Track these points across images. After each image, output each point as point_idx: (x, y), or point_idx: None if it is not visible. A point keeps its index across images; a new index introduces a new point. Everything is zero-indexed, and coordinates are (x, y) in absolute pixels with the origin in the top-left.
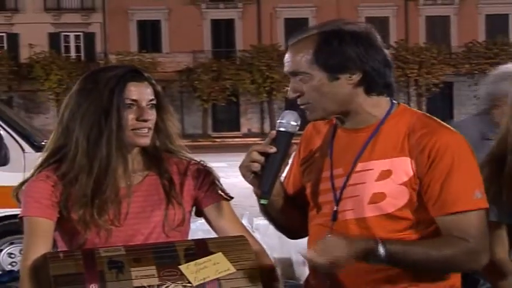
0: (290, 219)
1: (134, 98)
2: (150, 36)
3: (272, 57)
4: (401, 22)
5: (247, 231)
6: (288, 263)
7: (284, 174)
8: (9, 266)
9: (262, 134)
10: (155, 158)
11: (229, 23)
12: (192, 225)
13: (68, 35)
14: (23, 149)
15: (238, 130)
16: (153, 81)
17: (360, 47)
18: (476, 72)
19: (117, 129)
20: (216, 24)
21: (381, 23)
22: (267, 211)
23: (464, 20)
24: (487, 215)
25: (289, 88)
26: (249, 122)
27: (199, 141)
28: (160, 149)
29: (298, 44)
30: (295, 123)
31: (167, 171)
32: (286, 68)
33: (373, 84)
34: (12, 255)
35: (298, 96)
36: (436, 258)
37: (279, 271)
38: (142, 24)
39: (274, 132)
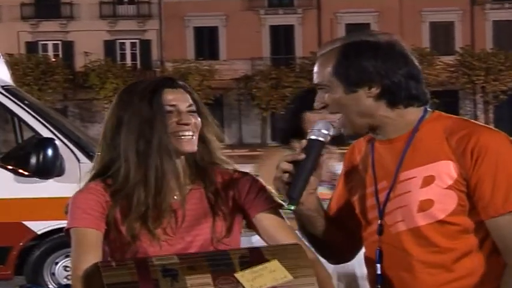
0: (333, 241)
1: (172, 103)
2: (207, 43)
3: None
4: (467, 27)
5: (300, 238)
6: (351, 278)
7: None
8: (65, 280)
9: None
10: (200, 170)
11: (289, 29)
12: (252, 239)
13: (123, 43)
14: (78, 159)
15: None
16: (189, 89)
17: (378, 60)
18: None
19: (163, 136)
20: (275, 30)
21: (446, 29)
22: (306, 230)
23: None
24: None
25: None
26: None
27: (258, 151)
28: (204, 161)
29: (323, 56)
30: (326, 132)
31: (213, 183)
32: (314, 79)
33: (395, 98)
34: (68, 269)
35: (324, 107)
36: None
37: (343, 286)
38: (199, 31)
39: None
